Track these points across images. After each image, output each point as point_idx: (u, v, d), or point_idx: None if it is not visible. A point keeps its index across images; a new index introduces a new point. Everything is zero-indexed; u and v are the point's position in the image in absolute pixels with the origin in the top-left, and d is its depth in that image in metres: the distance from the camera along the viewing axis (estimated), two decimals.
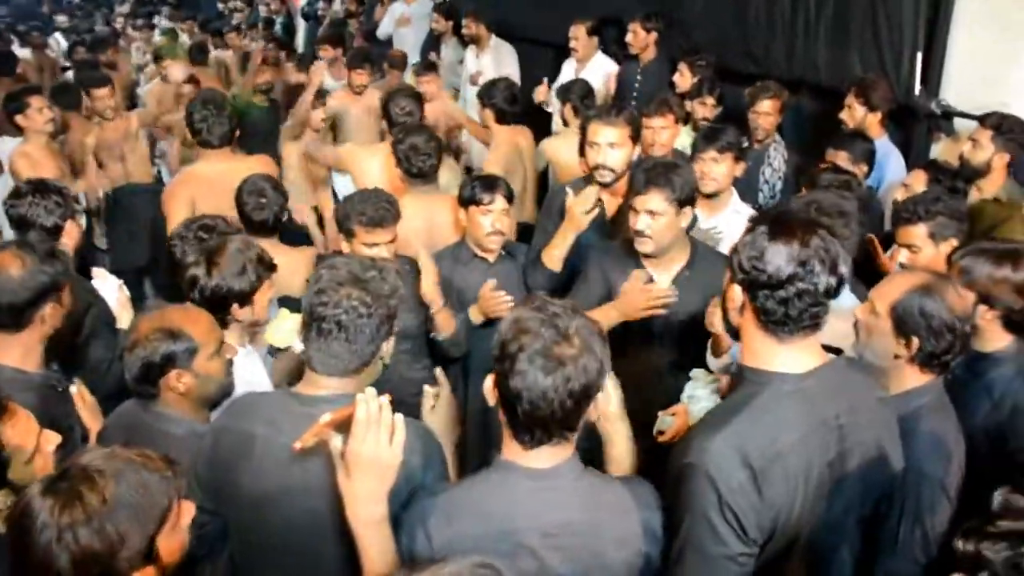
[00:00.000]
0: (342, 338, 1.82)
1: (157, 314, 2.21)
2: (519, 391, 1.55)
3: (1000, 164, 3.74)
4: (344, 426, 1.59)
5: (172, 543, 1.48)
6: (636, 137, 3.45)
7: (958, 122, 4.25)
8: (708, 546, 1.65)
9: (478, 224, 3.28)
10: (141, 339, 2.10)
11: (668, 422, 2.71)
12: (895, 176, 4.10)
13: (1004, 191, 3.74)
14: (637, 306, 2.83)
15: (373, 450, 1.55)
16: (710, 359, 2.74)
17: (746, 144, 4.65)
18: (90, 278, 3.17)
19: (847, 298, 2.60)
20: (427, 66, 6.26)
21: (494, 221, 3.26)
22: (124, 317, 3.11)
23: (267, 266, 2.59)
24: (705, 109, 4.84)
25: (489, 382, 1.63)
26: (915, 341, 2.09)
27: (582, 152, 3.48)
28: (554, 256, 3.28)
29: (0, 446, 1.75)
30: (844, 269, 1.71)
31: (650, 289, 2.83)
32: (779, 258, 1.67)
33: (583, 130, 3.47)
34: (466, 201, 3.29)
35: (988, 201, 3.74)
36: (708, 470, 1.64)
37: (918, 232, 2.91)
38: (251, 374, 2.49)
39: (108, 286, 3.12)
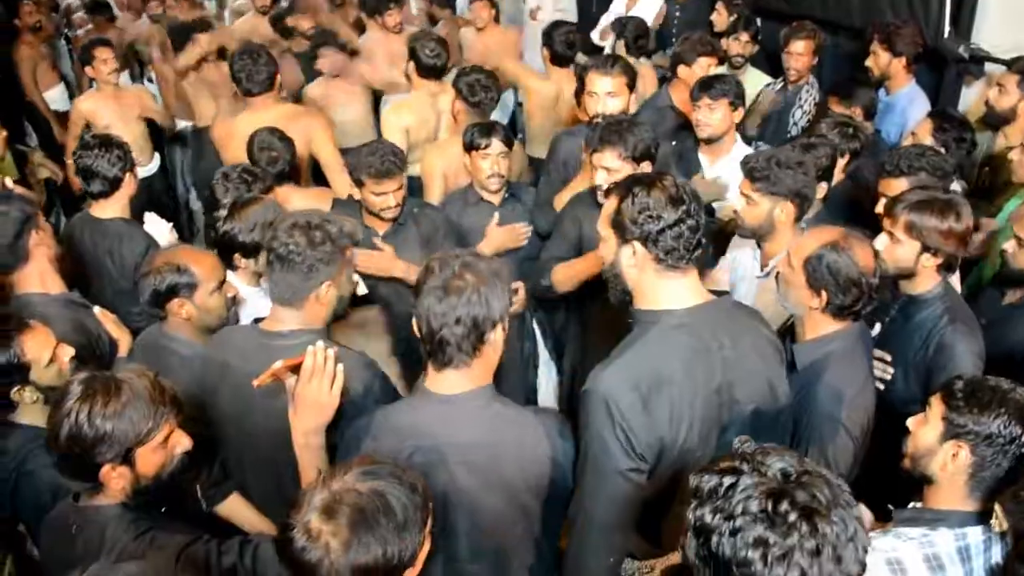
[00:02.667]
0: (279, 268, 2.18)
1: (170, 251, 2.61)
2: (420, 314, 1.88)
3: None
4: (298, 369, 1.95)
5: (152, 458, 1.85)
6: (632, 86, 3.60)
7: (992, 66, 4.18)
8: (602, 461, 1.93)
9: (479, 167, 3.54)
10: (152, 270, 2.48)
11: None
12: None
13: None
14: None
15: (315, 393, 1.94)
16: None
17: (781, 84, 4.72)
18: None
19: None
20: None
21: (492, 164, 3.51)
22: None
23: None
24: (739, 46, 4.89)
25: (414, 318, 1.93)
26: (824, 294, 2.28)
27: (578, 100, 3.66)
28: (564, 201, 3.49)
29: (22, 354, 2.22)
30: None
31: None
32: (664, 205, 1.94)
33: (581, 80, 3.64)
34: (467, 146, 3.54)
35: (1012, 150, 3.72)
36: (602, 393, 1.91)
37: (899, 185, 2.99)
38: (258, 311, 2.81)
39: (159, 228, 3.50)
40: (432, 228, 3.48)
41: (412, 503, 1.46)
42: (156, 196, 5.40)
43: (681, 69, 4.33)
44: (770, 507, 1.23)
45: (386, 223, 3.41)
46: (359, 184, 3.34)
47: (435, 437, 1.91)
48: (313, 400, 1.94)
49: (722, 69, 4.84)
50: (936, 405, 1.90)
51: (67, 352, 2.32)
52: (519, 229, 3.62)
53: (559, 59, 4.77)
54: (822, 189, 3.12)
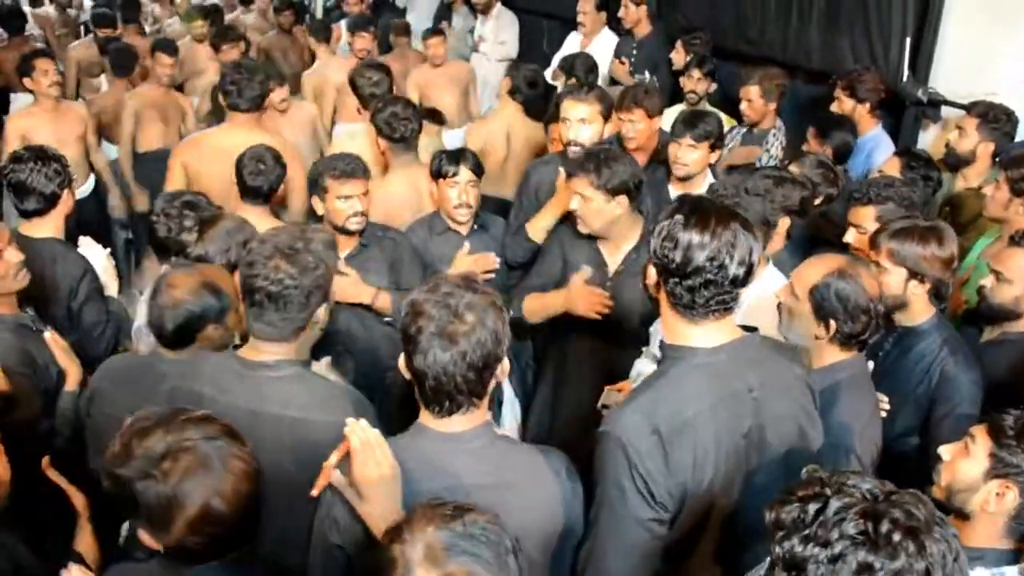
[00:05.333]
0: (273, 308, 1.96)
1: (192, 272, 2.33)
2: (423, 369, 1.66)
3: (985, 153, 3.77)
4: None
5: None
6: (607, 114, 3.54)
7: (948, 110, 4.26)
8: (619, 509, 1.76)
9: (446, 196, 3.40)
10: (187, 293, 2.22)
11: (615, 397, 2.81)
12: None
13: (988, 180, 3.78)
14: (579, 304, 2.95)
15: (376, 471, 1.65)
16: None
17: (745, 128, 4.71)
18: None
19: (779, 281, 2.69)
20: (434, 31, 6.28)
21: (460, 193, 3.38)
22: (111, 285, 3.23)
23: None
24: (692, 83, 4.89)
25: (402, 360, 1.74)
26: (833, 324, 2.20)
27: (546, 127, 3.59)
28: (538, 228, 3.41)
29: None
30: (754, 258, 1.79)
31: (593, 291, 2.93)
32: (688, 248, 1.74)
33: (556, 107, 3.55)
34: (435, 173, 3.40)
35: (971, 191, 3.77)
36: (619, 436, 1.75)
37: (867, 213, 3.01)
38: None
39: (95, 254, 3.23)
40: (397, 254, 3.32)
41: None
42: (88, 219, 5.06)
43: None
44: (870, 528, 1.12)
45: (351, 241, 3.22)
46: (323, 192, 3.15)
47: (436, 479, 1.71)
48: (377, 479, 1.65)
49: (680, 106, 4.85)
50: (981, 439, 1.80)
51: None
52: (489, 258, 3.46)
53: (527, 100, 4.63)
54: (784, 223, 3.07)
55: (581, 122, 3.46)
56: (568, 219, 3.25)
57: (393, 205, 3.70)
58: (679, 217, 1.78)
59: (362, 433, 1.66)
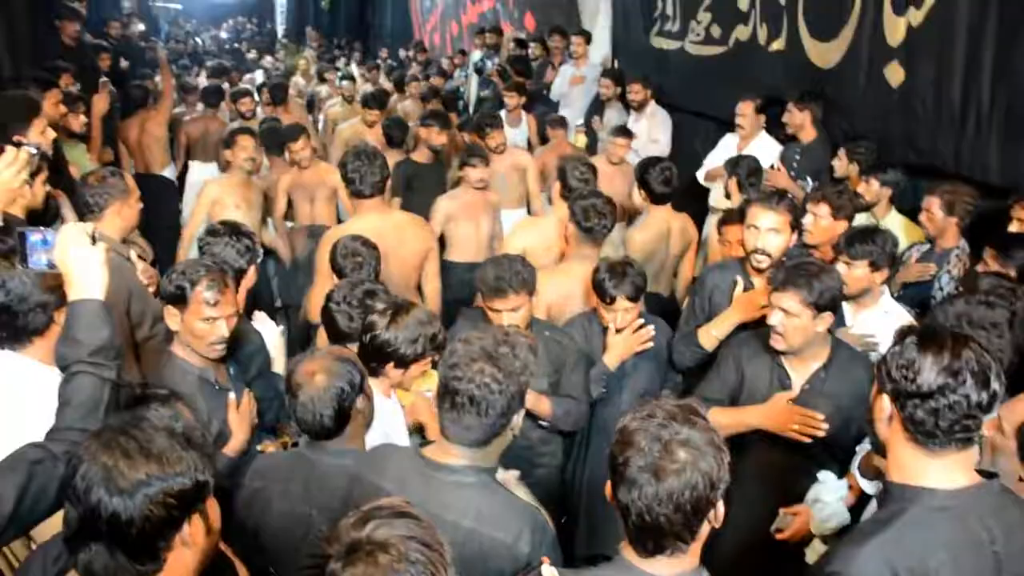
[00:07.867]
0: (474, 412, 1.94)
1: (318, 356, 2.35)
2: (627, 503, 1.61)
3: None
4: None
5: None
6: (796, 225, 3.46)
7: None
8: None
9: (602, 316, 3.38)
10: (327, 374, 2.24)
11: (788, 520, 2.70)
12: None
13: None
14: (781, 424, 2.84)
15: None
16: (860, 478, 2.66)
17: (928, 247, 4.46)
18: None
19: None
20: (622, 131, 6.32)
21: (615, 319, 3.33)
22: (279, 361, 3.31)
23: (436, 346, 2.70)
24: (864, 188, 4.71)
25: (608, 487, 1.68)
26: None
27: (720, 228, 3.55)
28: (712, 335, 3.37)
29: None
30: (996, 385, 1.71)
31: (802, 412, 2.81)
32: (929, 368, 1.70)
33: (743, 212, 3.51)
34: (595, 287, 3.34)
35: None
36: None
37: None
38: (392, 427, 2.65)
39: (268, 330, 3.32)
40: (563, 358, 3.29)
41: None
42: (256, 291, 5.35)
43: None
44: None
45: None
46: (478, 294, 3.18)
47: None
48: None
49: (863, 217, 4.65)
50: None
51: None
52: (641, 333, 3.36)
53: (658, 198, 4.58)
54: None
55: (771, 231, 3.37)
56: (746, 328, 3.20)
57: (561, 294, 3.72)
58: (911, 339, 1.74)
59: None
